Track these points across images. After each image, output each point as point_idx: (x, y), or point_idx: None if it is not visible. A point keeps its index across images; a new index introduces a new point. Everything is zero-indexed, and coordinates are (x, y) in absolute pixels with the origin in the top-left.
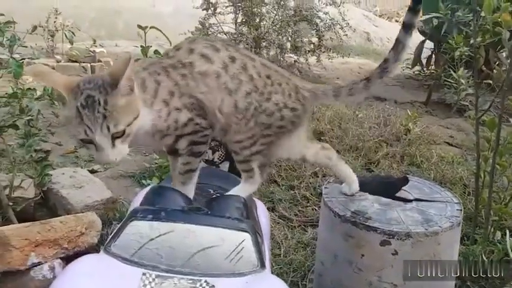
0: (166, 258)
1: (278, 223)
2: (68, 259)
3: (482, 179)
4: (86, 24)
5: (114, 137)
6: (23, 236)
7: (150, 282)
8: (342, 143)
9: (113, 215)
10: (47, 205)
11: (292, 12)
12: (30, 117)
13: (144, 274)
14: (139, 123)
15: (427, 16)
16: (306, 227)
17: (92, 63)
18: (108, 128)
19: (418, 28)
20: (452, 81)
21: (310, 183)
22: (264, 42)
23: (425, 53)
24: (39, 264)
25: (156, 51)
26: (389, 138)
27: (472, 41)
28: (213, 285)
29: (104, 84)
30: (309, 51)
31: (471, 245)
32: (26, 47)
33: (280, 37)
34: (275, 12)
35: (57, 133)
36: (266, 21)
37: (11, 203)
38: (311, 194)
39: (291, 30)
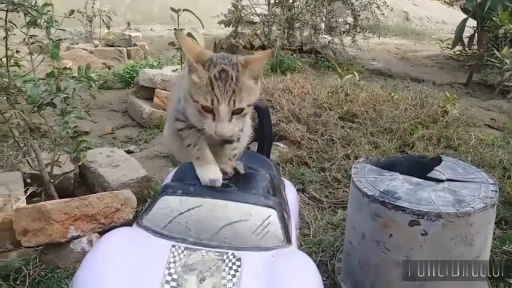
0: (194, 231)
1: (308, 204)
2: (104, 233)
3: None
4: (122, 9)
5: (233, 113)
6: (63, 211)
7: (179, 254)
8: (376, 125)
9: (147, 193)
10: (85, 183)
11: None
12: (66, 95)
13: (173, 246)
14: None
15: None
16: (336, 208)
17: (127, 47)
18: (234, 102)
19: (460, 5)
20: (495, 61)
21: (342, 165)
22: (297, 23)
23: (468, 31)
24: (78, 238)
25: (189, 34)
26: (425, 120)
27: None
28: (239, 258)
29: (237, 63)
30: (343, 31)
31: (509, 229)
32: (64, 30)
33: (314, 17)
34: None
35: (94, 115)
36: (300, 1)
37: (52, 180)
38: (342, 176)
39: (325, 10)
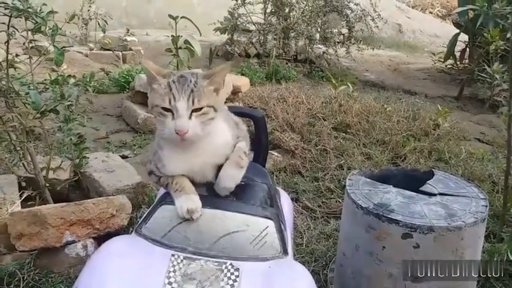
0: (194, 241)
1: (301, 213)
2: (99, 239)
3: None
4: (118, 13)
5: (193, 111)
6: (59, 216)
7: (178, 263)
8: (369, 136)
9: (142, 199)
10: (80, 187)
11: (323, 3)
12: (69, 103)
13: (173, 255)
14: (218, 123)
15: (463, 8)
16: (329, 218)
17: (123, 52)
18: (193, 101)
19: (452, 20)
20: (486, 76)
21: (335, 175)
22: (292, 32)
23: (459, 46)
24: (73, 243)
25: (186, 41)
26: (417, 132)
27: (508, 35)
28: (238, 268)
29: (196, 73)
30: (338, 42)
31: (497, 243)
32: (65, 35)
33: (309, 28)
34: (305, 2)
35: (89, 119)
36: (296, 11)
37: (47, 184)
38: (335, 186)
39: (320, 21)
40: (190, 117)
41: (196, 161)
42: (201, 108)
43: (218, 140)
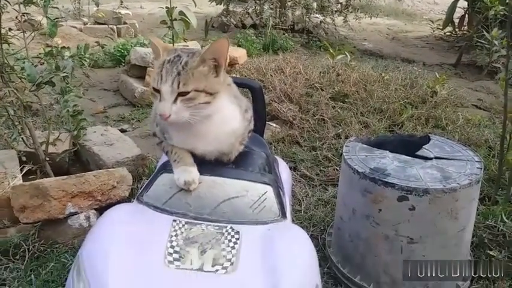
0: (194, 206)
1: (299, 182)
2: (101, 210)
3: (508, 141)
4: None
5: (178, 95)
6: (60, 188)
7: (180, 228)
8: (367, 105)
9: (142, 171)
10: (80, 161)
11: None
12: (65, 74)
13: (174, 221)
14: (223, 107)
15: None
16: (326, 186)
17: (117, 26)
18: (178, 84)
19: None
20: (484, 42)
21: (333, 144)
22: (289, 2)
23: (458, 12)
24: (75, 214)
25: (181, 12)
26: (415, 100)
27: (508, 0)
28: (238, 231)
29: (195, 52)
30: (336, 11)
31: (492, 205)
32: (57, 8)
33: None
34: None
35: (86, 93)
36: None
37: (47, 158)
38: (333, 155)
39: None
40: (175, 101)
41: (198, 146)
42: (187, 93)
43: (224, 129)
